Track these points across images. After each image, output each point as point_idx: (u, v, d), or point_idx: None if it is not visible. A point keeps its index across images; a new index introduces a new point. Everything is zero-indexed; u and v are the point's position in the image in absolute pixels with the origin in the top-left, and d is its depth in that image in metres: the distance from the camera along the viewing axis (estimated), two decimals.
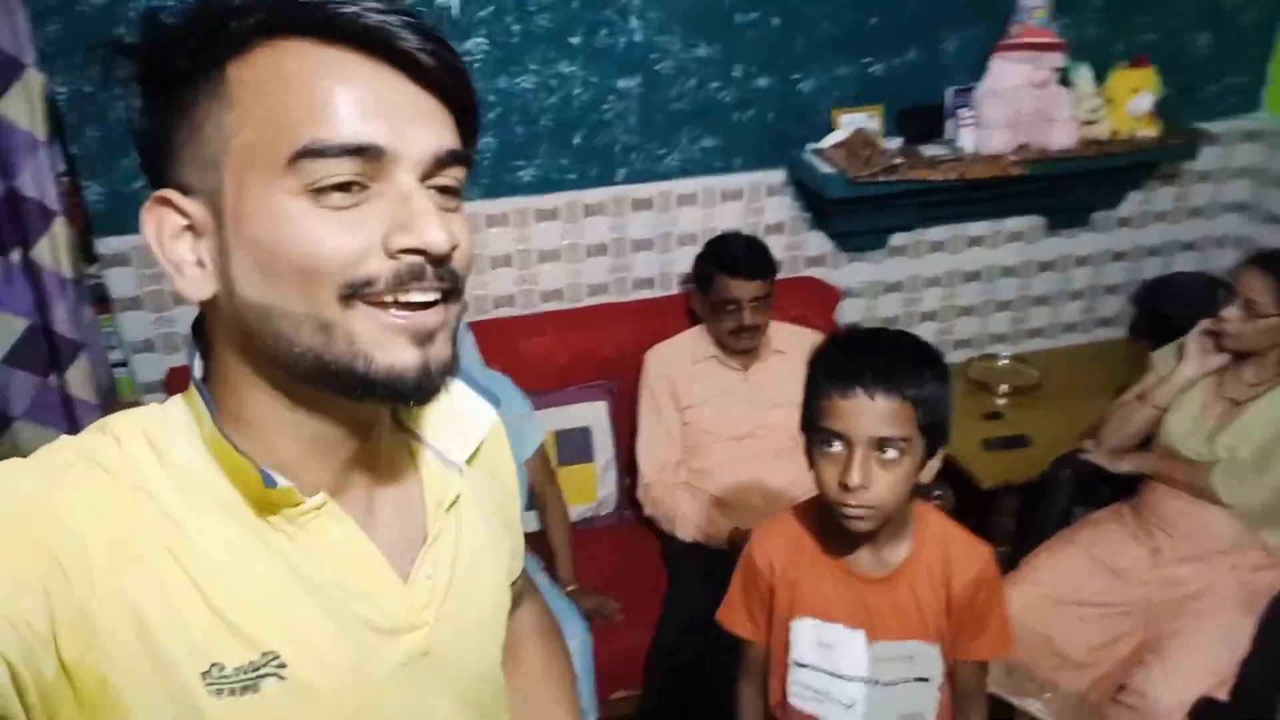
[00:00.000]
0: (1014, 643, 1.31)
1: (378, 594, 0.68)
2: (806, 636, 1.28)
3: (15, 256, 2.02)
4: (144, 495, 0.61)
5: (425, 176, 0.61)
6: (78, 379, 2.15)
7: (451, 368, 0.64)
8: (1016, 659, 1.99)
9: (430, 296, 0.61)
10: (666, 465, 2.29)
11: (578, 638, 1.90)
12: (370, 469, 0.72)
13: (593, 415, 2.41)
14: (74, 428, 2.16)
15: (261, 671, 0.62)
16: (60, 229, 2.03)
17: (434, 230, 0.59)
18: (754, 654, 1.38)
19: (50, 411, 2.17)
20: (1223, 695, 1.81)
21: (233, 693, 0.61)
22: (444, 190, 0.63)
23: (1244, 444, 1.95)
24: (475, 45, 2.21)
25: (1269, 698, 2.03)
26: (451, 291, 0.63)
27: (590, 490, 2.43)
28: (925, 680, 1.26)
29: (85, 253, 2.17)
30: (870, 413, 1.12)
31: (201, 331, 0.67)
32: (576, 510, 2.36)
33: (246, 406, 0.65)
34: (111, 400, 2.24)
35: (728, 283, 2.19)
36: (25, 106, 1.93)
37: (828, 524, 1.25)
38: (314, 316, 0.59)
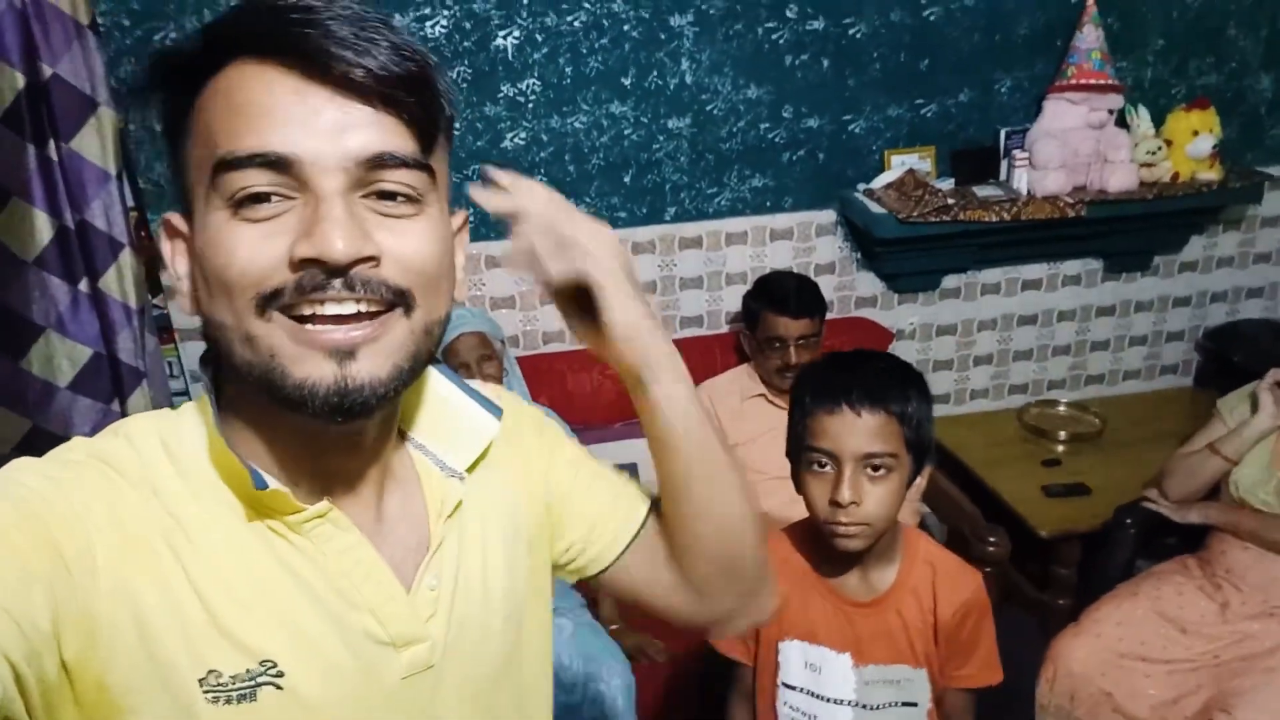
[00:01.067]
0: (1000, 672, 1.29)
1: (380, 605, 0.67)
2: (794, 659, 1.27)
3: (84, 286, 2.09)
4: (152, 496, 0.61)
5: (355, 185, 0.59)
6: (139, 406, 2.20)
7: (387, 387, 0.61)
8: (1078, 715, 1.91)
9: (346, 309, 0.59)
10: None
11: (620, 678, 1.87)
12: (378, 478, 0.71)
13: (639, 452, 2.39)
14: None
15: (259, 680, 0.61)
16: (127, 260, 2.10)
17: (331, 239, 0.57)
18: (744, 675, 1.37)
19: None
20: None
21: (229, 701, 0.60)
22: (390, 198, 0.60)
23: None
24: (528, 86, 2.26)
25: None
26: (392, 304, 0.61)
27: None
28: (913, 705, 1.24)
29: (151, 284, 2.24)
30: (858, 429, 1.14)
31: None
32: None
33: (242, 414, 0.65)
34: None
35: (775, 320, 2.18)
36: (97, 142, 2.01)
37: (818, 546, 1.26)
38: (239, 329, 0.59)
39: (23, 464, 0.61)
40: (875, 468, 1.15)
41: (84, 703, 0.57)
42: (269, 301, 0.58)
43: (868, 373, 1.19)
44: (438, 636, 0.70)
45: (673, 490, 0.80)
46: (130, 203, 2.14)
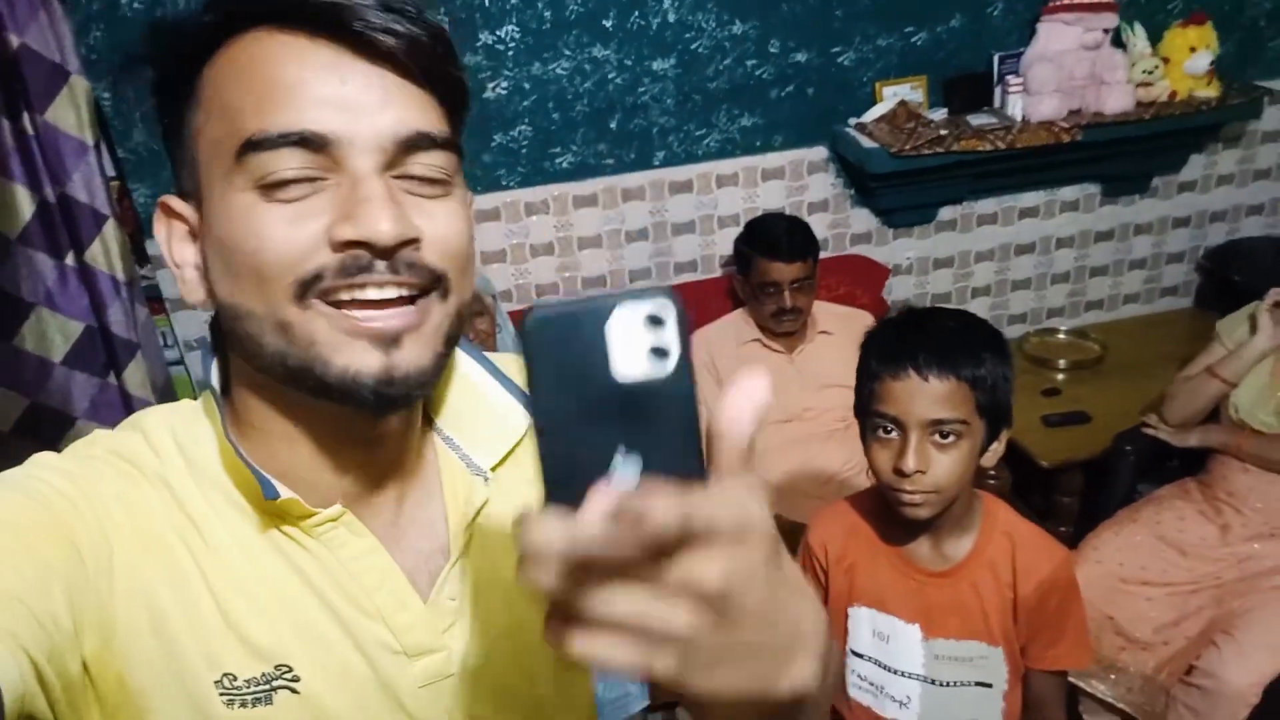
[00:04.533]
0: (1092, 652, 1.23)
1: (394, 614, 0.64)
2: (864, 626, 1.23)
3: (69, 260, 2.07)
4: (169, 495, 0.60)
5: (390, 164, 0.57)
6: (135, 379, 2.20)
7: (429, 375, 0.59)
8: None
9: (388, 293, 0.56)
10: None
11: None
12: (399, 478, 0.67)
13: None
14: None
15: (274, 684, 0.60)
16: (112, 232, 2.07)
17: (376, 219, 0.54)
18: None
19: (111, 411, 2.23)
20: None
21: (244, 704, 0.59)
22: (420, 179, 0.58)
23: None
24: (507, 33, 2.21)
25: None
26: (428, 288, 0.58)
27: None
28: (988, 686, 1.19)
29: (137, 254, 2.22)
30: (924, 394, 1.08)
31: (218, 336, 0.65)
32: None
33: (254, 413, 0.63)
34: (168, 397, 2.29)
35: (768, 265, 2.16)
36: (72, 112, 1.98)
37: (885, 512, 1.21)
38: (272, 317, 0.56)
39: (43, 460, 0.60)
40: (944, 434, 1.09)
41: (107, 703, 0.57)
42: (308, 287, 0.55)
43: (937, 333, 1.12)
44: (456, 646, 0.67)
45: None
46: (110, 173, 2.11)
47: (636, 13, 2.25)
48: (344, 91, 0.55)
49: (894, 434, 1.12)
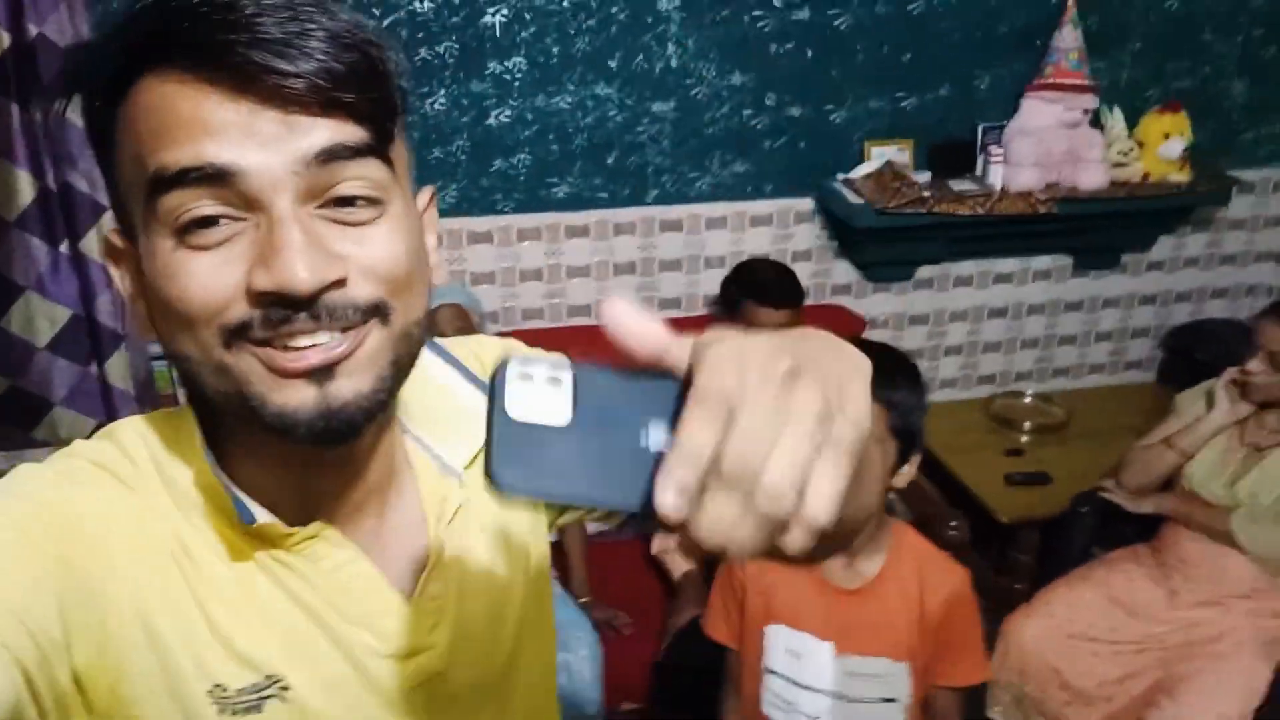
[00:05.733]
0: (989, 670, 1.30)
1: (378, 620, 0.65)
2: (778, 644, 1.29)
3: (64, 248, 2.10)
4: (152, 508, 0.60)
5: (310, 194, 0.53)
6: (117, 370, 2.22)
7: (373, 403, 0.57)
8: (1027, 690, 1.98)
9: (319, 339, 0.54)
10: None
11: (587, 648, 1.92)
12: (377, 489, 0.67)
13: None
14: (111, 416, 2.22)
15: (265, 693, 0.61)
16: (108, 222, 2.10)
17: (291, 268, 0.51)
18: (732, 664, 1.39)
19: (89, 400, 2.24)
20: None
21: (235, 712, 0.60)
22: (348, 202, 0.54)
23: (1265, 490, 1.94)
24: (515, 64, 2.28)
25: None
26: (362, 322, 0.55)
27: None
28: (892, 701, 1.25)
29: None
30: None
31: None
32: (591, 524, 2.38)
33: (227, 435, 0.62)
34: (149, 392, 2.31)
35: (756, 310, 2.20)
36: None
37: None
38: (207, 362, 0.55)
39: (28, 473, 0.59)
40: None
41: (96, 709, 0.57)
42: (235, 335, 0.53)
43: None
44: (443, 643, 0.68)
45: None
46: None
47: (641, 55, 2.33)
48: (247, 122, 0.51)
49: None
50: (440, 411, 0.73)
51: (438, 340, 0.76)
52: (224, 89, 0.50)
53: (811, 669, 1.26)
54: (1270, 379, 1.93)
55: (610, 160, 2.43)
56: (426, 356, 0.72)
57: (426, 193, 0.66)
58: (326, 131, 0.52)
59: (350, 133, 0.53)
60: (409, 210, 0.59)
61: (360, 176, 0.54)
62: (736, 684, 1.38)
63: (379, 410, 0.58)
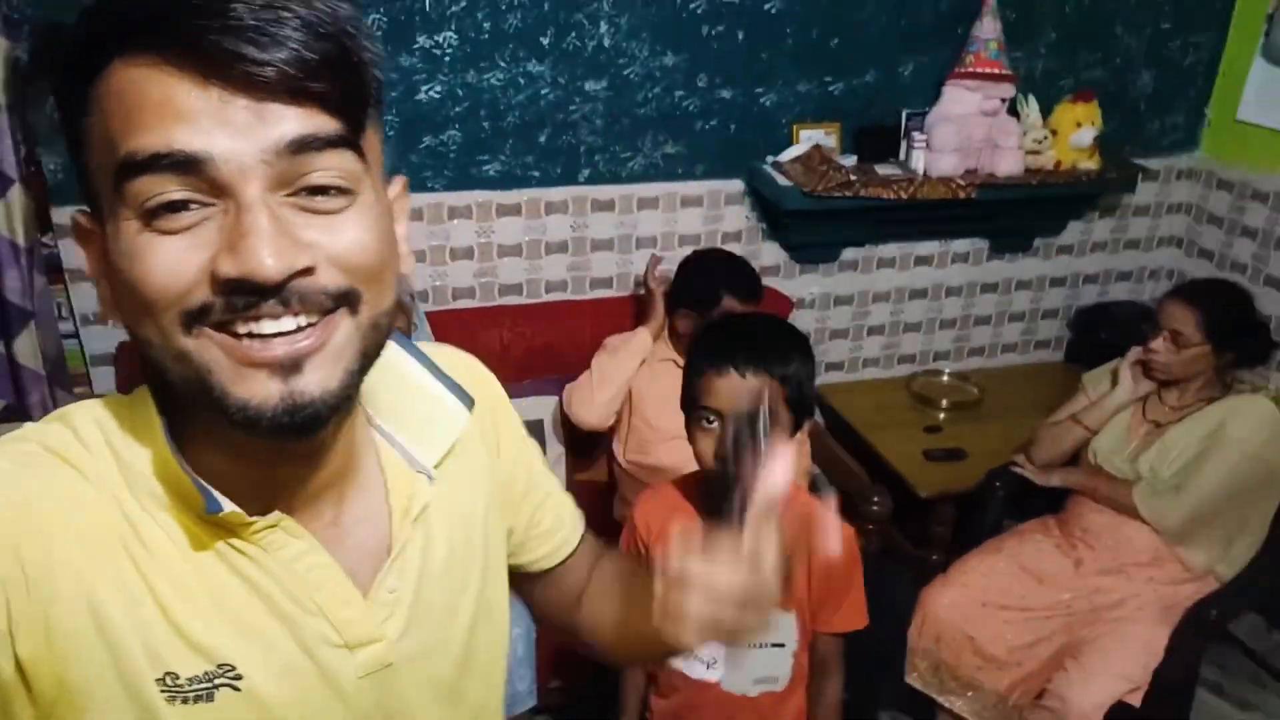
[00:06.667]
0: (866, 618, 1.40)
1: (335, 610, 0.65)
2: None
3: None
4: (105, 493, 0.59)
5: (280, 182, 0.53)
6: (26, 348, 2.12)
7: (338, 397, 0.57)
8: (942, 657, 2.07)
9: (285, 326, 0.54)
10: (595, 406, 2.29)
11: (520, 626, 1.93)
12: (338, 481, 0.68)
13: (545, 409, 2.44)
14: (19, 396, 2.14)
15: (216, 682, 0.60)
16: (16, 196, 2.01)
17: (259, 254, 0.51)
18: None
19: None
20: (1136, 701, 1.91)
21: (186, 700, 0.59)
22: (318, 191, 0.54)
23: (1164, 465, 2.05)
24: (445, 39, 2.24)
25: (1179, 703, 2.13)
26: (332, 308, 0.56)
27: None
28: (780, 646, 1.35)
29: (41, 222, 2.15)
30: (743, 390, 1.22)
31: None
32: None
33: (187, 422, 0.61)
34: (60, 370, 2.22)
35: (734, 304, 2.19)
36: None
37: (704, 495, 1.34)
38: (168, 348, 0.54)
39: None
40: None
41: (41, 701, 0.56)
42: (195, 319, 0.53)
43: (754, 336, 1.28)
44: (394, 635, 0.69)
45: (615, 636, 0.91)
46: (20, 136, 2.04)
47: (574, 34, 2.32)
48: (218, 110, 0.51)
49: (715, 425, 1.26)
50: (410, 407, 0.73)
51: (419, 344, 0.77)
52: (195, 75, 0.50)
53: None
54: (1171, 358, 2.04)
55: (542, 139, 2.42)
56: (403, 356, 0.74)
57: (399, 183, 0.66)
58: (298, 121, 0.52)
59: (322, 123, 0.53)
60: (379, 199, 0.59)
61: (331, 167, 0.54)
62: None
63: (345, 404, 0.59)
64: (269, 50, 0.50)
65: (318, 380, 0.55)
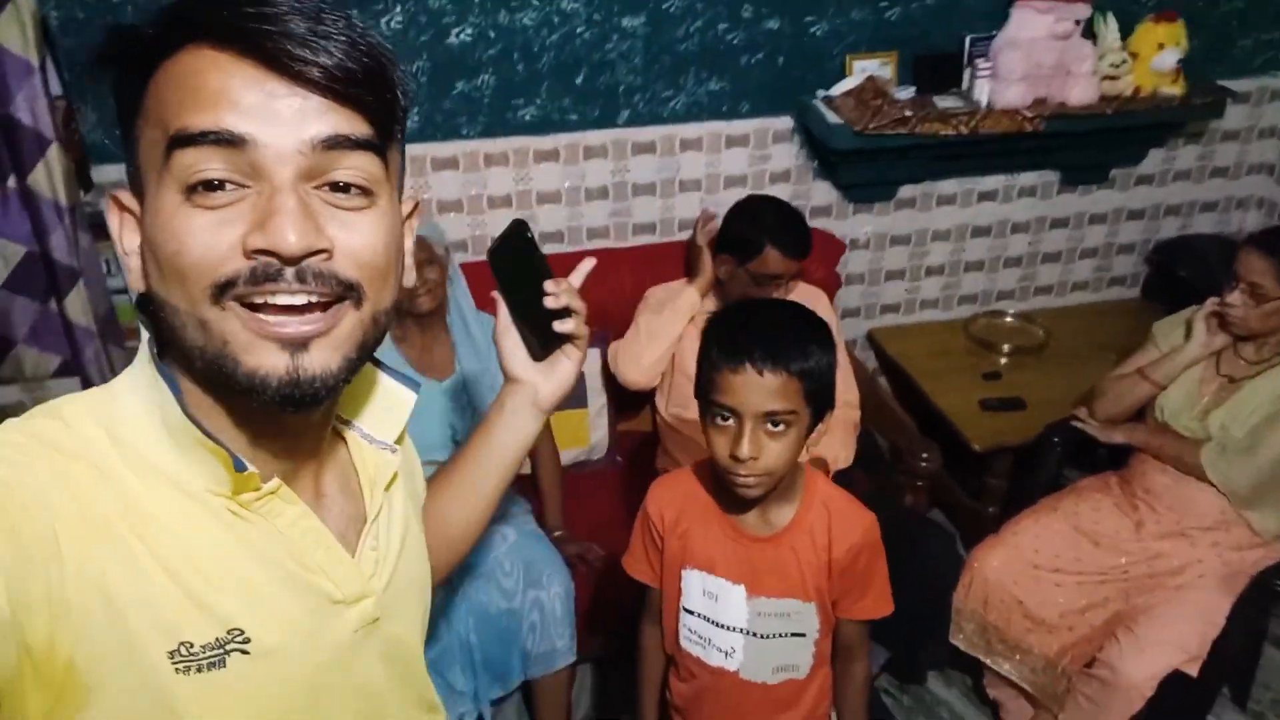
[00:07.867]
0: (891, 604, 1.35)
1: (333, 567, 0.72)
2: (695, 586, 1.34)
3: (11, 184, 2.02)
4: (102, 476, 0.62)
5: (310, 173, 0.61)
6: (76, 306, 2.17)
7: (336, 379, 0.64)
8: (990, 619, 2.02)
9: (297, 300, 0.61)
10: (642, 367, 2.25)
11: (560, 585, 1.93)
12: (315, 456, 0.75)
13: (588, 360, 2.41)
14: (75, 352, 2.19)
15: (228, 648, 0.64)
16: (56, 156, 2.02)
17: (284, 230, 0.58)
18: (653, 599, 1.44)
19: (52, 337, 2.20)
20: (1193, 671, 1.82)
21: (199, 669, 0.62)
22: (342, 188, 0.62)
23: (1237, 423, 1.93)
24: None
25: (1241, 676, 2.05)
26: (340, 296, 0.63)
27: (583, 434, 2.44)
28: (801, 636, 1.32)
29: (82, 180, 2.17)
30: (758, 388, 1.16)
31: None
32: (568, 454, 2.38)
33: (194, 394, 0.67)
34: (112, 326, 2.27)
35: (777, 257, 2.07)
36: (17, 31, 1.91)
37: (720, 484, 1.30)
38: (192, 314, 0.61)
39: None
40: (775, 423, 1.17)
41: (47, 683, 0.58)
42: (223, 290, 0.59)
43: (771, 329, 1.20)
44: (379, 591, 0.76)
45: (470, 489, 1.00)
46: (58, 93, 2.04)
47: None
48: (266, 101, 0.59)
49: (730, 422, 1.20)
50: (368, 399, 0.83)
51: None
52: (250, 70, 0.59)
53: (726, 609, 1.32)
54: (1248, 312, 1.90)
55: (579, 80, 2.32)
56: None
57: (410, 203, 0.74)
58: (335, 121, 0.61)
59: (355, 125, 0.62)
60: (394, 209, 0.68)
61: (357, 167, 0.62)
62: (657, 618, 1.44)
63: (340, 387, 0.66)
64: (318, 55, 0.59)
65: (321, 360, 0.63)
